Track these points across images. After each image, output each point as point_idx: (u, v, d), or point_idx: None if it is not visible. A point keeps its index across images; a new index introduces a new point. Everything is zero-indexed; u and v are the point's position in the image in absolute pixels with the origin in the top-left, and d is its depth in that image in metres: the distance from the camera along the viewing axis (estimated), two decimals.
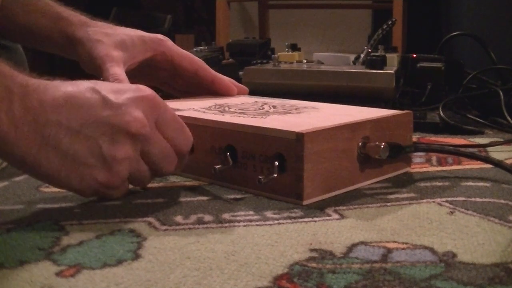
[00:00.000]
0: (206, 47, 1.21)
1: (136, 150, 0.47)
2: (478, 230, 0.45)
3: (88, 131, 0.45)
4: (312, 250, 0.41)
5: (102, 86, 0.47)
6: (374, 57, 0.98)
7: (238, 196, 0.54)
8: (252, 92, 0.77)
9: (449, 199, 0.53)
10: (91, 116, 0.45)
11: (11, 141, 0.42)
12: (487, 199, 0.53)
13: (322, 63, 1.10)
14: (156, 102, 0.48)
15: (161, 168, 0.50)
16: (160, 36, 0.70)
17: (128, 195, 0.53)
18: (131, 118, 0.46)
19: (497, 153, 0.72)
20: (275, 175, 0.51)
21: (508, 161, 0.67)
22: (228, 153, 0.55)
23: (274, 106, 0.65)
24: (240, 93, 0.75)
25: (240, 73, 1.06)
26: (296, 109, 0.64)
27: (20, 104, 0.42)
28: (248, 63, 1.12)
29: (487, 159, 0.63)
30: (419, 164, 0.66)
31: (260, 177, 0.51)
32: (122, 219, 0.48)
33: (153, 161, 0.49)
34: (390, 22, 1.11)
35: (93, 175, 0.46)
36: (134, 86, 0.49)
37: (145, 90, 0.49)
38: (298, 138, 0.50)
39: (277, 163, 0.51)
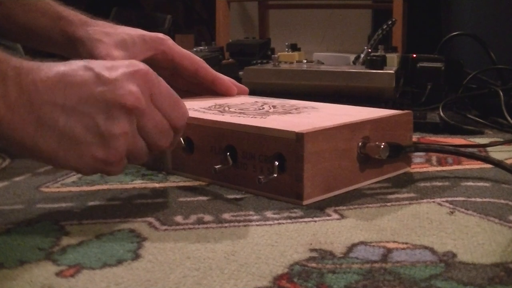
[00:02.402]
0: (206, 47, 1.21)
1: (132, 124, 0.46)
2: (478, 230, 0.45)
3: (84, 108, 0.44)
4: (312, 250, 0.41)
5: (95, 64, 0.46)
6: (374, 57, 0.98)
7: (238, 196, 0.54)
8: (252, 92, 0.77)
9: (449, 199, 0.53)
10: (86, 93, 0.44)
11: (7, 125, 0.42)
12: (487, 199, 0.53)
13: (322, 63, 1.10)
14: (150, 77, 0.48)
15: (157, 143, 0.49)
16: (160, 35, 0.69)
17: (128, 195, 0.53)
18: (125, 92, 0.45)
19: (497, 153, 0.71)
20: (275, 175, 0.51)
21: (508, 161, 0.67)
22: (228, 153, 0.55)
23: (274, 106, 0.65)
24: (240, 93, 0.75)
25: (240, 73, 1.06)
26: (296, 109, 0.64)
27: (15, 87, 0.42)
28: (248, 63, 1.12)
29: (487, 159, 0.63)
30: (419, 164, 0.66)
31: (260, 177, 0.51)
32: (122, 219, 0.48)
33: (148, 136, 0.48)
34: (390, 22, 1.11)
35: (91, 152, 0.45)
36: (127, 61, 0.48)
37: (138, 65, 0.48)
38: (298, 138, 0.50)
39: (277, 163, 0.51)
